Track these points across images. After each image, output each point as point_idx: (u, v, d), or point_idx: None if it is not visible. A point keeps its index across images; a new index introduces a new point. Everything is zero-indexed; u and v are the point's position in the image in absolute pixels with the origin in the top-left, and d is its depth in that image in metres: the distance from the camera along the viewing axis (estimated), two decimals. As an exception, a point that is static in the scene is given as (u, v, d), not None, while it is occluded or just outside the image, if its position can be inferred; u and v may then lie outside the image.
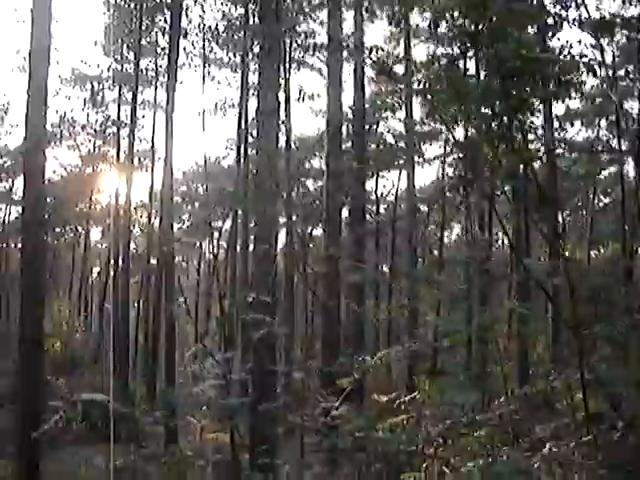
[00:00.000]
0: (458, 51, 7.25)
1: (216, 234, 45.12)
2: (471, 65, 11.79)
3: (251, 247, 24.61)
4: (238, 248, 28.55)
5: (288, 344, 24.87)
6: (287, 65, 25.71)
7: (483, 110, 6.19)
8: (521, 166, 7.70)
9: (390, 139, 33.60)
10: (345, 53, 17.16)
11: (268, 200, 8.77)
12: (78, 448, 15.29)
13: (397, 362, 20.82)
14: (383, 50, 16.31)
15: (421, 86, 6.57)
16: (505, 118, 5.84)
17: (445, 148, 33.49)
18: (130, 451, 6.61)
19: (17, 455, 11.40)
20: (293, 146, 29.95)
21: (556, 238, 10.87)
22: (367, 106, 20.66)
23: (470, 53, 8.01)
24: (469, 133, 9.00)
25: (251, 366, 8.08)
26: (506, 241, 28.47)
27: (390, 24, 19.50)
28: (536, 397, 8.15)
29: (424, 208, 38.13)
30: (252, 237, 22.31)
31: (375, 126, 30.51)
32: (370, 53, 12.97)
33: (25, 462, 11.11)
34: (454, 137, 8.42)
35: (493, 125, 6.29)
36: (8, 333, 39.50)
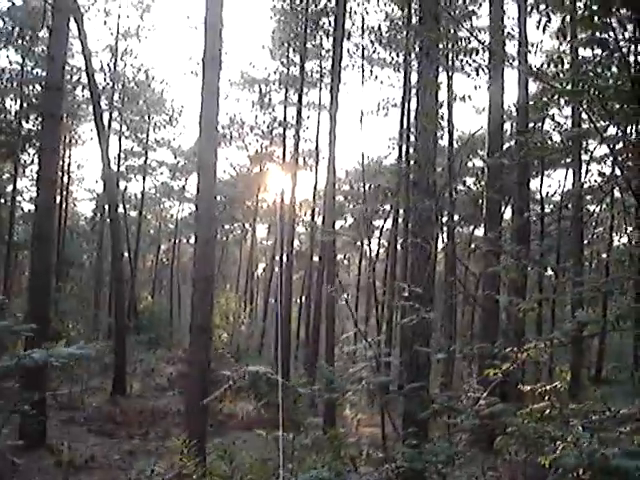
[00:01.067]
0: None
1: (377, 233, 45.58)
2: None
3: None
4: (398, 246, 28.76)
5: (446, 337, 24.74)
6: (450, 64, 25.59)
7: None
8: None
9: (557, 137, 32.49)
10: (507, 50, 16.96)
11: (427, 198, 8.88)
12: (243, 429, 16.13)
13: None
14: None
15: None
16: None
17: (614, 147, 31.98)
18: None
19: (187, 434, 12.16)
20: (455, 145, 29.79)
21: None
22: (531, 103, 20.16)
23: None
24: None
25: (402, 350, 8.20)
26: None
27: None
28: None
29: (592, 208, 36.63)
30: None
31: (540, 124, 29.64)
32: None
33: (195, 439, 11.83)
34: (602, 136, 8.10)
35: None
36: (180, 323, 41.94)
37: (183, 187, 51.07)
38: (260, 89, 36.61)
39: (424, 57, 9.29)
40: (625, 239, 42.39)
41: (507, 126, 24.02)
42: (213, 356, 15.52)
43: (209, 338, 13.69)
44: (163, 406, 20.49)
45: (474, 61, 18.42)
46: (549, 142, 32.56)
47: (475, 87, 24.26)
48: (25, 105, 32.47)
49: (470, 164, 35.51)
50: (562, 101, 27.09)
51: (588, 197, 33.58)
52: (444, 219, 31.41)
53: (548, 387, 4.91)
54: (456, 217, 34.15)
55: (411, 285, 7.65)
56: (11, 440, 12.55)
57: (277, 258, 37.53)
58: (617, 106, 6.78)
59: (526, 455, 4.80)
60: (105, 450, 14.73)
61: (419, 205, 9.00)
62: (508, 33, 18.36)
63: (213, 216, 13.82)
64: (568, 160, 32.94)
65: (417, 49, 11.56)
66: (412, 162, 23.07)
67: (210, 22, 12.53)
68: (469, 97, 26.43)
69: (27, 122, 32.85)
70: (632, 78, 5.78)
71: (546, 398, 4.84)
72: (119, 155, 39.39)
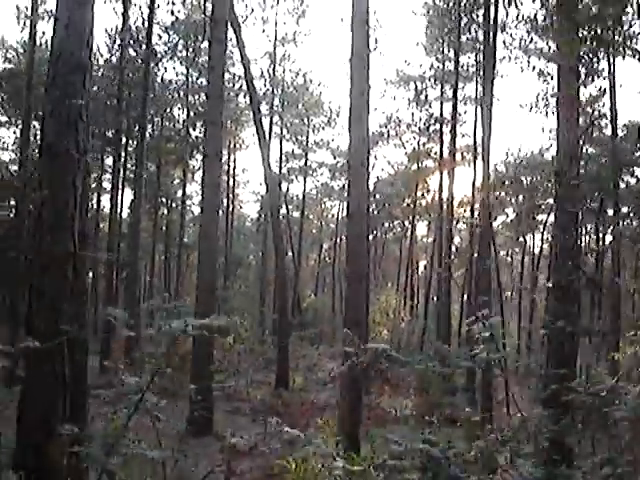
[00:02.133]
0: None
1: (540, 227, 44.32)
2: None
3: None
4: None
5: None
6: (611, 51, 24.49)
7: None
8: None
9: None
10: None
11: (572, 191, 8.69)
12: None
13: None
14: None
15: None
16: None
17: None
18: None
19: (342, 426, 12.55)
20: (620, 133, 28.48)
21: None
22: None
23: None
24: None
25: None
26: None
27: None
28: None
29: None
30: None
31: None
32: None
33: (349, 431, 12.19)
34: None
35: None
36: (341, 319, 42.67)
37: (343, 187, 51.94)
38: (416, 86, 36.57)
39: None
40: None
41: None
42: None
43: (364, 332, 14.02)
44: (323, 399, 21.06)
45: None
46: None
47: None
48: (191, 114, 34.38)
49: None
50: None
51: None
52: (610, 212, 30.16)
53: None
54: (625, 209, 32.52)
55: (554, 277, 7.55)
56: (181, 427, 13.51)
57: (437, 255, 37.39)
58: None
59: None
60: (267, 439, 15.39)
61: (562, 197, 8.84)
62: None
63: (364, 213, 14.12)
64: None
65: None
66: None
67: (356, 22, 12.85)
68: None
69: (194, 130, 34.75)
70: None
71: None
72: (280, 158, 40.69)
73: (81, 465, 4.98)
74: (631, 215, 33.43)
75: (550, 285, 7.79)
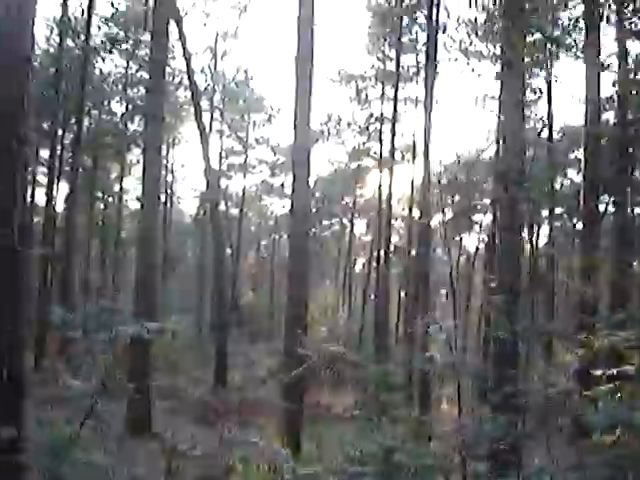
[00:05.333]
0: None
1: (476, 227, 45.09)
2: None
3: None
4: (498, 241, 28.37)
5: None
6: (549, 52, 25.04)
7: None
8: None
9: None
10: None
11: (515, 188, 8.82)
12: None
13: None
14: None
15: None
16: None
17: None
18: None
19: (284, 424, 12.50)
20: (556, 135, 29.18)
21: None
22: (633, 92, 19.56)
23: None
24: None
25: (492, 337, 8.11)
26: None
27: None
28: None
29: None
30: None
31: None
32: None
33: (291, 429, 12.14)
34: None
35: None
36: (280, 318, 42.63)
37: (282, 184, 51.85)
38: (357, 85, 36.71)
39: (509, 48, 9.20)
40: None
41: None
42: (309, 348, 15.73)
43: (304, 329, 13.99)
44: (262, 397, 20.94)
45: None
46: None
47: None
48: (130, 107, 33.78)
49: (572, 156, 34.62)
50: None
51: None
52: (544, 212, 30.83)
53: None
54: (559, 210, 33.29)
55: (499, 276, 7.65)
56: (117, 427, 13.24)
57: (375, 253, 37.64)
58: None
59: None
60: (205, 439, 15.23)
61: (506, 196, 8.97)
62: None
63: (308, 211, 14.13)
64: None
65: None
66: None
67: (302, 19, 12.80)
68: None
69: (132, 123, 34.16)
70: None
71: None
72: (220, 154, 40.37)
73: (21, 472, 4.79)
74: (564, 216, 34.31)
75: (493, 285, 7.88)
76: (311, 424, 14.79)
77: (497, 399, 7.77)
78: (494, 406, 8.03)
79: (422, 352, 19.39)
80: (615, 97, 17.38)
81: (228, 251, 38.50)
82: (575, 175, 35.28)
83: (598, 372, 4.85)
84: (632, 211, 20.57)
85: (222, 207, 35.87)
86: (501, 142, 14.13)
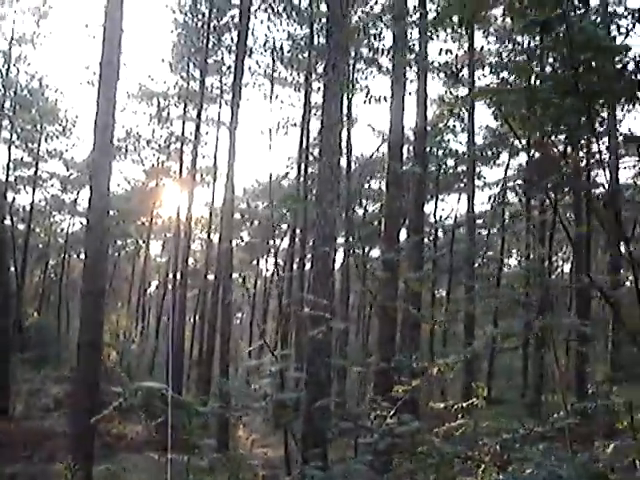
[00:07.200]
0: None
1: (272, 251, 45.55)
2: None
3: (308, 266, 24.96)
4: (295, 265, 28.76)
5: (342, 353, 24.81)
6: (350, 84, 25.81)
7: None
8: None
9: (450, 162, 33.47)
10: (408, 68, 17.26)
11: (330, 213, 8.82)
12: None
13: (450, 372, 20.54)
14: (450, 52, 16.44)
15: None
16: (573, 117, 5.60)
17: (506, 172, 33.33)
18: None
19: (72, 458, 11.59)
20: (353, 166, 30.16)
21: (621, 244, 10.59)
22: (429, 129, 20.61)
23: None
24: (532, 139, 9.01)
25: (307, 364, 7.98)
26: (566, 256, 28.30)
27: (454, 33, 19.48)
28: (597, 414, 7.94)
29: (484, 232, 37.92)
30: (310, 255, 22.64)
31: (435, 149, 30.39)
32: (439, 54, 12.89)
33: (81, 463, 11.28)
34: (520, 141, 8.30)
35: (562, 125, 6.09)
36: (69, 341, 40.48)
37: (75, 200, 49.48)
38: (158, 103, 35.94)
39: (331, 70, 9.26)
40: (514, 261, 44.07)
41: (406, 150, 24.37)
42: (103, 375, 14.87)
43: (99, 356, 13.18)
44: (49, 427, 19.59)
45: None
46: (445, 168, 33.70)
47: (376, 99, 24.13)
48: None
49: (367, 186, 36.00)
50: (458, 126, 28.04)
51: (480, 221, 34.74)
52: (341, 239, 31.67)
53: (465, 404, 4.87)
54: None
55: (314, 293, 7.54)
56: None
57: (171, 275, 36.85)
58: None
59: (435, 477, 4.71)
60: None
61: (321, 220, 8.95)
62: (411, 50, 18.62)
63: (105, 229, 13.35)
64: (461, 185, 34.07)
65: (321, 69, 11.66)
66: (312, 181, 23.26)
67: (109, 29, 12.17)
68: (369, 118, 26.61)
69: None
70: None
71: (460, 416, 4.80)
72: (8, 165, 37.76)
73: None
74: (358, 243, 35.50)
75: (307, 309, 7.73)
76: (103, 456, 13.94)
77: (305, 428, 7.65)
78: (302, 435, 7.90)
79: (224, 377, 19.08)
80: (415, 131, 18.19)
81: (12, 269, 35.97)
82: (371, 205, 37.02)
83: (440, 405, 4.84)
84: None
85: (7, 222, 33.53)
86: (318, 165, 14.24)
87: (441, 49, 20.62)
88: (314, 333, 6.06)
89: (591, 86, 5.20)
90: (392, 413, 4.92)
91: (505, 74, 17.76)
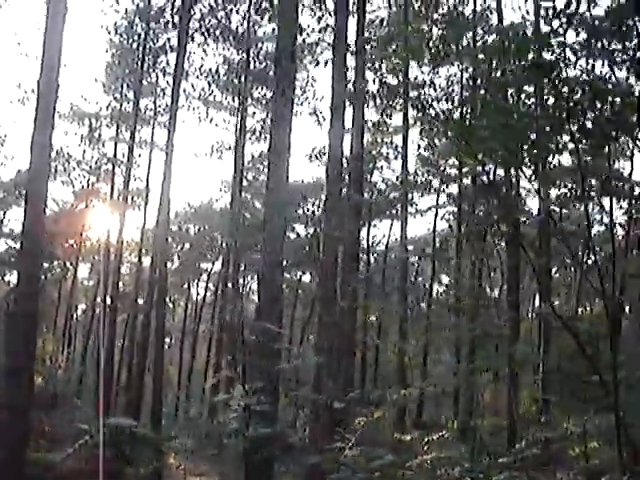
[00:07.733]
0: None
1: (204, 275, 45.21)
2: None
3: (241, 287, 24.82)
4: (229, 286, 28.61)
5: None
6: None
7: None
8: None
9: (384, 188, 33.90)
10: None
11: (278, 240, 8.84)
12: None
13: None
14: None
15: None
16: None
17: (437, 200, 33.99)
18: None
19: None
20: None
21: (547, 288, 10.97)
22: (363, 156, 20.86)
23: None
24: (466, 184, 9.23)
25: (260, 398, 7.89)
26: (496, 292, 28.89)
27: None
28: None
29: (414, 259, 38.46)
30: (241, 279, 22.50)
31: (369, 175, 30.77)
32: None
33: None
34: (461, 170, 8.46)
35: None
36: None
37: (1, 221, 48.00)
38: (90, 123, 35.31)
39: (279, 95, 9.33)
40: (442, 288, 44.75)
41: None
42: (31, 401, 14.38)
43: (30, 380, 12.74)
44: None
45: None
46: (378, 194, 34.13)
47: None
48: None
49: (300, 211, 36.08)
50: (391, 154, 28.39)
51: (411, 247, 35.23)
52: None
53: (435, 437, 4.91)
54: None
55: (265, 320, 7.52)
56: None
57: (99, 299, 36.08)
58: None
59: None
60: None
61: (267, 246, 8.93)
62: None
63: (40, 250, 13.03)
64: (394, 211, 34.57)
65: (256, 94, 11.66)
66: (247, 206, 23.19)
67: (49, 47, 11.95)
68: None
69: None
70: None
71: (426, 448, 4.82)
72: None
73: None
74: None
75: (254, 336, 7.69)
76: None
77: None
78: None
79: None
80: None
81: None
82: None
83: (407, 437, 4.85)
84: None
85: None
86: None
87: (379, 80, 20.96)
88: (264, 364, 6.02)
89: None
90: (351, 444, 4.91)
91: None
